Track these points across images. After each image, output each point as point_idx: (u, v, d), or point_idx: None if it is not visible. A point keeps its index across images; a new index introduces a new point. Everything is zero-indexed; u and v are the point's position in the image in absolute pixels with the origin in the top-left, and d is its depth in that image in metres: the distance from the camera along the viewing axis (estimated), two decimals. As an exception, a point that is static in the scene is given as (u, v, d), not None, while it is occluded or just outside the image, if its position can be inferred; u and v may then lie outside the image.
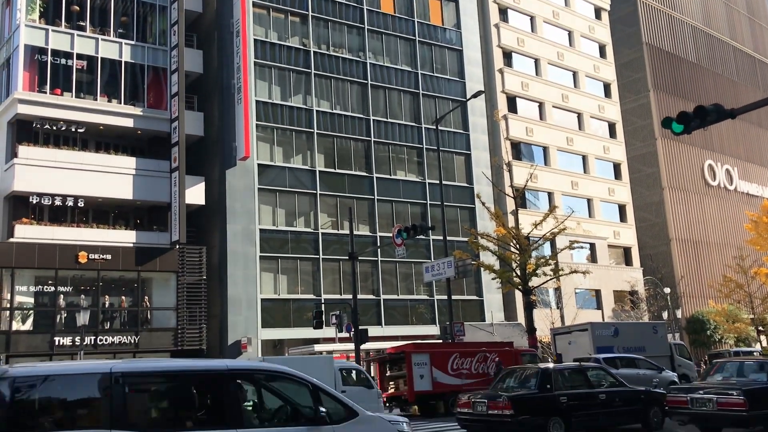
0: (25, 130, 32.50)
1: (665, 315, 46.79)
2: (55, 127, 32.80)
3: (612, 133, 56.47)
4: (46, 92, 32.76)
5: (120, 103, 34.68)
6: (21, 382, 6.30)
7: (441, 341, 31.40)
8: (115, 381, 6.58)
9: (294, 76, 39.18)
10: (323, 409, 7.36)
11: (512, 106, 49.20)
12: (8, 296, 30.31)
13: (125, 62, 35.04)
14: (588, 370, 15.93)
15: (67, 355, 30.87)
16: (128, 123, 34.61)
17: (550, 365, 16.21)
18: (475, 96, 32.72)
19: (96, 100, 34.06)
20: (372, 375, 28.52)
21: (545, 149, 50.23)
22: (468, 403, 15.00)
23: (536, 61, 51.91)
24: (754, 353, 35.92)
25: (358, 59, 41.63)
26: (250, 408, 7.46)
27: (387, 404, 26.91)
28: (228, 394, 7.08)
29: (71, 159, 32.57)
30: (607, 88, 57.38)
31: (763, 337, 47.26)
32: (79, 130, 33.34)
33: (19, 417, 6.14)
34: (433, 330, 38.73)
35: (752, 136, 70.63)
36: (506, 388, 15.35)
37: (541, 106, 51.09)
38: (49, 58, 32.95)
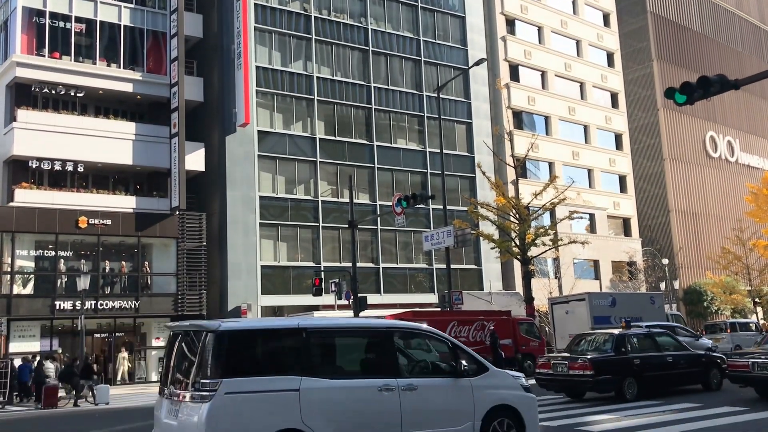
0: (24, 94, 32.32)
1: (663, 286, 47.03)
2: (54, 91, 32.59)
3: (614, 103, 56.16)
4: (44, 55, 32.49)
5: (119, 67, 34.42)
6: (230, 335, 7.49)
7: (439, 309, 31.60)
8: (305, 335, 7.87)
9: (294, 41, 38.83)
10: (465, 364, 8.67)
11: (514, 74, 48.85)
12: (9, 260, 30.41)
13: (124, 26, 34.70)
14: (656, 335, 17.17)
15: (68, 319, 31.12)
16: (127, 88, 34.40)
17: (623, 331, 17.30)
18: (477, 64, 32.45)
19: (95, 64, 33.80)
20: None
21: (547, 119, 50.00)
22: (548, 364, 16.23)
23: (539, 29, 51.40)
24: (750, 324, 36.18)
25: (359, 25, 41.21)
26: (405, 360, 8.61)
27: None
28: (388, 347, 8.36)
29: (70, 123, 32.44)
30: (610, 57, 56.91)
31: (759, 309, 47.55)
32: (78, 95, 33.15)
33: (229, 362, 7.28)
34: (432, 298, 38.96)
35: (755, 108, 70.23)
36: (581, 351, 16.56)
37: (543, 74, 50.72)
38: (48, 21, 32.62)
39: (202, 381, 7.18)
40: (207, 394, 7.08)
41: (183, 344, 7.98)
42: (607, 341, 16.24)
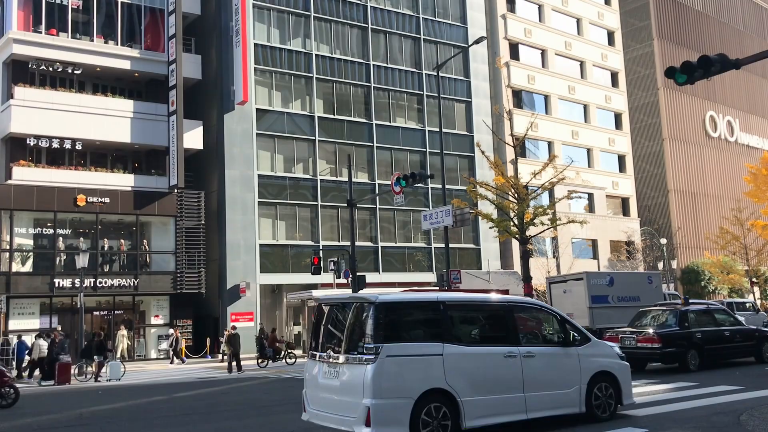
0: (21, 71, 32.13)
1: (661, 265, 47.16)
2: (51, 68, 32.40)
3: (614, 82, 55.92)
4: (41, 32, 32.26)
5: (117, 44, 34.19)
6: (387, 306, 8.57)
7: (437, 288, 31.69)
8: (443, 307, 8.95)
9: (293, 18, 38.53)
10: (574, 334, 9.94)
11: (514, 53, 48.57)
12: (7, 238, 30.43)
13: (121, 2, 34.41)
14: (714, 311, 18.64)
15: (67, 297, 31.21)
16: (125, 65, 34.19)
17: (685, 307, 18.56)
18: (477, 42, 32.21)
19: (92, 41, 33.57)
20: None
21: (546, 98, 49.81)
22: (616, 338, 17.08)
23: (540, 7, 51.02)
24: (747, 304, 36.33)
25: (358, 2, 40.86)
26: (523, 331, 9.68)
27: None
28: (510, 320, 9.51)
29: (68, 101, 32.28)
30: (610, 36, 56.56)
31: (756, 288, 47.74)
32: (75, 72, 32.96)
33: (386, 330, 8.34)
34: (430, 277, 39.07)
35: (755, 88, 69.96)
36: (645, 326, 17.73)
37: (543, 53, 50.45)
38: (44, -3, 32.34)
39: (366, 346, 8.22)
40: (371, 357, 8.12)
41: (339, 315, 9.12)
42: (671, 316, 17.58)
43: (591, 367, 9.75)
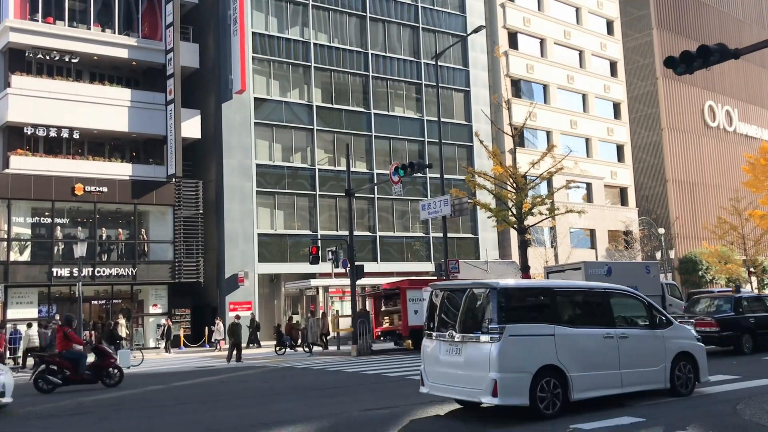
0: (18, 60, 31.99)
1: (658, 255, 47.22)
2: (48, 57, 32.25)
3: (613, 71, 55.80)
4: (38, 20, 32.11)
5: (114, 32, 34.04)
6: (508, 291, 9.48)
7: (436, 278, 31.74)
8: (552, 293, 10.00)
9: (291, 7, 38.37)
10: (661, 318, 10.94)
11: (513, 42, 48.42)
12: (5, 227, 30.39)
13: (118, -10, 34.24)
14: (765, 298, 19.85)
15: (65, 286, 31.22)
16: (123, 54, 34.04)
17: (738, 294, 20.22)
18: (476, 31, 32.09)
19: (89, 29, 33.42)
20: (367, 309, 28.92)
21: (545, 87, 49.70)
22: None
23: (539, -4, 50.83)
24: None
25: (357, -9, 40.68)
26: (618, 315, 10.59)
27: (381, 338, 27.45)
28: (607, 304, 10.46)
29: (65, 90, 32.16)
30: (609, 25, 56.38)
31: (753, 278, 47.82)
32: (72, 60, 32.82)
33: (508, 312, 9.25)
34: (428, 267, 39.10)
35: (754, 77, 69.83)
36: (701, 312, 18.82)
37: (542, 42, 50.30)
38: (41, -15, 32.16)
39: (490, 326, 9.13)
40: (496, 336, 9.05)
41: (457, 299, 9.99)
42: (726, 303, 18.69)
43: (674, 348, 10.75)
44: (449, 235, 33.54)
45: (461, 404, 10.25)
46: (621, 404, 10.11)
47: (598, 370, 9.75)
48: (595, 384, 9.69)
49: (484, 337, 9.17)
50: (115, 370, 16.39)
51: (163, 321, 32.05)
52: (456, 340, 9.52)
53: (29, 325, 25.55)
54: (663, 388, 10.53)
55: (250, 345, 30.76)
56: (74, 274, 29.36)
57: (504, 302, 9.27)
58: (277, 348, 28.12)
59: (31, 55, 32.05)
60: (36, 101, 31.06)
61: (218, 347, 31.11)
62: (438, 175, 32.22)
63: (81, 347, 16.97)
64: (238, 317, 26.46)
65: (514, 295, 9.64)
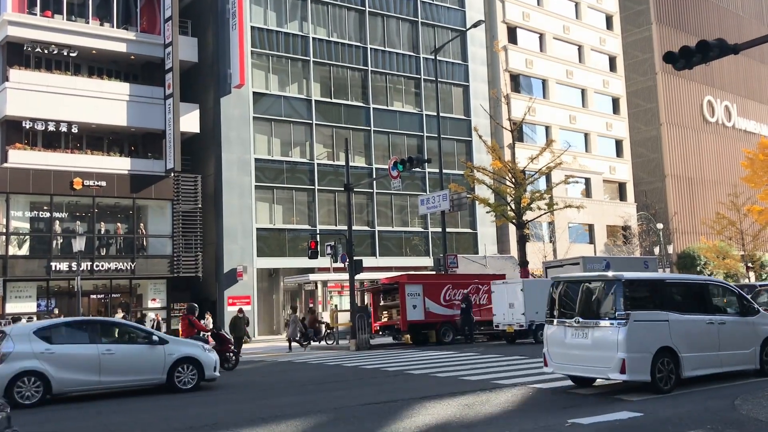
0: (16, 53, 31.90)
1: (657, 250, 47.29)
2: (46, 51, 32.17)
3: (612, 66, 55.75)
4: (36, 14, 32.02)
5: (112, 26, 33.95)
6: (631, 282, 10.88)
7: (434, 273, 31.78)
8: (665, 284, 11.65)
9: (290, 1, 38.28)
10: (751, 306, 12.19)
11: (512, 36, 48.36)
12: (4, 221, 30.37)
13: (117, -16, 34.13)
14: None
15: (64, 280, 31.22)
16: (121, 47, 33.96)
17: None
18: (475, 25, 32.12)
19: (88, 23, 33.33)
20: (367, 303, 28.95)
21: (544, 82, 49.67)
22: None
23: (538, -9, 50.74)
24: (742, 289, 36.46)
25: (356, -15, 40.59)
26: (715, 303, 11.94)
27: (380, 333, 27.47)
28: (708, 294, 11.89)
29: (64, 84, 32.09)
30: (609, 20, 56.32)
31: (751, 274, 47.91)
32: (71, 54, 32.72)
33: (632, 300, 10.58)
34: (427, 261, 39.14)
35: (753, 73, 69.81)
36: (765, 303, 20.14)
37: (541, 37, 50.24)
38: (39, -21, 32.06)
39: (618, 313, 10.45)
40: (623, 321, 10.36)
41: (579, 288, 11.36)
42: None
43: (761, 332, 12.01)
44: (448, 229, 33.57)
45: (574, 382, 11.56)
46: (619, 399, 10.18)
47: (703, 352, 11.04)
48: (701, 363, 10.98)
49: (611, 322, 10.48)
50: (232, 355, 17.99)
51: (152, 316, 31.82)
52: (582, 325, 10.84)
53: (15, 320, 25.54)
54: (753, 369, 11.81)
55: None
56: (73, 269, 29.35)
57: (628, 292, 10.61)
58: (302, 341, 27.62)
59: (29, 48, 31.97)
60: (34, 95, 30.98)
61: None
62: (437, 170, 32.28)
63: (207, 333, 17.92)
64: (241, 311, 26.40)
65: (635, 286, 11.01)
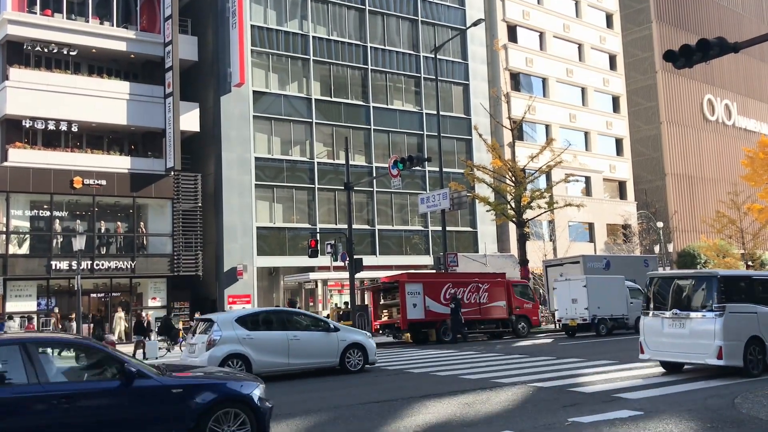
0: (16, 52, 31.88)
1: (657, 249, 47.30)
2: (46, 50, 32.16)
3: (612, 65, 55.72)
4: (36, 13, 32.00)
5: (112, 25, 33.94)
6: (725, 278, 12.12)
7: (434, 271, 31.77)
8: (751, 280, 12.81)
9: (290, 0, 38.26)
10: None
11: (512, 35, 48.33)
12: (4, 220, 30.36)
13: (117, -17, 34.11)
14: None
15: (64, 279, 31.22)
16: (121, 46, 33.95)
17: None
18: (475, 24, 32.10)
19: (88, 22, 33.31)
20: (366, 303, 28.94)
21: (544, 80, 49.65)
22: None
23: (538, -11, 50.71)
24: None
25: (356, -16, 40.55)
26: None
27: (380, 331, 27.45)
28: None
29: (64, 82, 32.08)
30: (609, 18, 56.29)
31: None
32: (71, 53, 32.71)
33: (726, 294, 11.92)
34: (427, 260, 39.14)
35: (754, 71, 69.79)
36: None
37: (541, 36, 50.21)
38: (38, -23, 32.04)
39: (715, 305, 11.81)
40: (720, 312, 11.73)
41: (668, 285, 12.82)
42: None
43: None
44: (448, 228, 33.56)
45: (665, 368, 12.79)
46: (619, 398, 10.16)
47: None
48: None
49: (708, 314, 11.83)
50: None
51: (144, 315, 31.59)
52: (678, 316, 12.16)
53: (9, 318, 25.54)
54: None
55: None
56: (73, 267, 29.34)
57: (723, 287, 11.91)
58: None
59: (29, 47, 31.95)
60: (34, 94, 30.97)
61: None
62: (437, 169, 32.25)
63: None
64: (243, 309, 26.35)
65: (728, 281, 12.22)
